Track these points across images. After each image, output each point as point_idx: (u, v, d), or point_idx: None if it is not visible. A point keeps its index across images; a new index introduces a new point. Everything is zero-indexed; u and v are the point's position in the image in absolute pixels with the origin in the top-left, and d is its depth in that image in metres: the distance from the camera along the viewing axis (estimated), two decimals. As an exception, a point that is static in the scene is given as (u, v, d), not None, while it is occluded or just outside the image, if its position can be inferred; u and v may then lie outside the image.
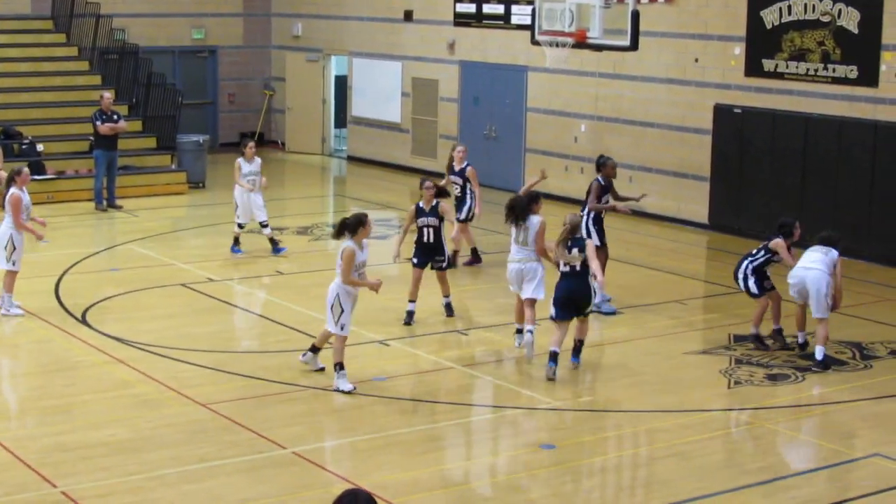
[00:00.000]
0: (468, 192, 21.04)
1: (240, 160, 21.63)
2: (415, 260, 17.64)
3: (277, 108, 35.76)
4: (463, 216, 20.96)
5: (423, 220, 17.55)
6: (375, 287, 15.00)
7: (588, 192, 18.83)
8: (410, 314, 17.65)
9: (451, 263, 19.66)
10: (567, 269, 15.49)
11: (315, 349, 15.28)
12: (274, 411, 13.99)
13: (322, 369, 15.12)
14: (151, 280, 19.96)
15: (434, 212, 17.57)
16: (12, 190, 17.60)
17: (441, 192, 18.02)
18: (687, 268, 21.99)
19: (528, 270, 16.15)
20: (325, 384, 14.83)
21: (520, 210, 16.24)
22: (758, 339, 16.96)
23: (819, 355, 16.05)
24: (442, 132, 30.73)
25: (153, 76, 30.14)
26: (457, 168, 21.15)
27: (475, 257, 21.39)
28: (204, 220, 24.46)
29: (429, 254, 17.68)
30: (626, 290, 19.74)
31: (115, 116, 26.11)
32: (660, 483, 12.39)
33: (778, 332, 17.06)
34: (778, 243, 16.74)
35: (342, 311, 14.52)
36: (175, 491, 11.77)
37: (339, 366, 14.67)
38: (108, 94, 26.59)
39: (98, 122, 25.77)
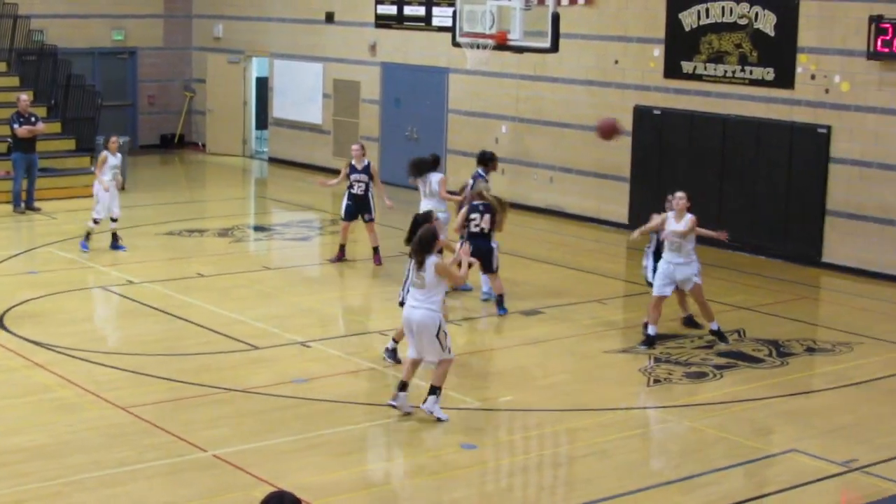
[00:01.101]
0: (370, 189, 21.11)
1: (106, 153, 21.76)
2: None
3: (198, 109, 35.58)
4: (373, 215, 21.09)
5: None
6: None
7: (466, 186, 19.31)
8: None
9: (341, 258, 21.40)
10: (476, 230, 18.08)
11: (405, 386, 13.98)
12: (194, 414, 13.92)
13: (410, 413, 13.99)
14: (70, 283, 19.81)
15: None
16: None
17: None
18: (607, 267, 22.13)
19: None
20: (246, 386, 14.80)
21: (425, 167, 19.71)
22: (691, 323, 17.66)
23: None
24: (363, 133, 30.71)
25: (72, 78, 29.92)
26: (359, 167, 21.18)
27: (342, 254, 21.51)
28: (123, 223, 24.20)
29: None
30: (546, 290, 19.85)
31: (33, 118, 25.88)
32: (580, 481, 12.47)
33: (689, 320, 17.88)
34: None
35: (447, 334, 13.74)
36: (94, 496, 11.67)
37: (440, 390, 13.87)
38: (25, 97, 26.35)
39: (15, 125, 25.53)
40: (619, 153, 25.26)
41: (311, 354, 16.38)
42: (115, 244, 21.96)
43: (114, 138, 22.11)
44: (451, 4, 22.47)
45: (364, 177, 21.15)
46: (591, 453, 13.16)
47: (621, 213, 25.36)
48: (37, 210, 25.63)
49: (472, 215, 18.12)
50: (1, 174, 26.70)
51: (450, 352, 13.77)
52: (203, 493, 11.82)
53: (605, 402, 15.06)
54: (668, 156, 24.45)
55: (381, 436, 13.82)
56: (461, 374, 15.49)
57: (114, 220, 21.87)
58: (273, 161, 33.61)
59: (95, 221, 21.80)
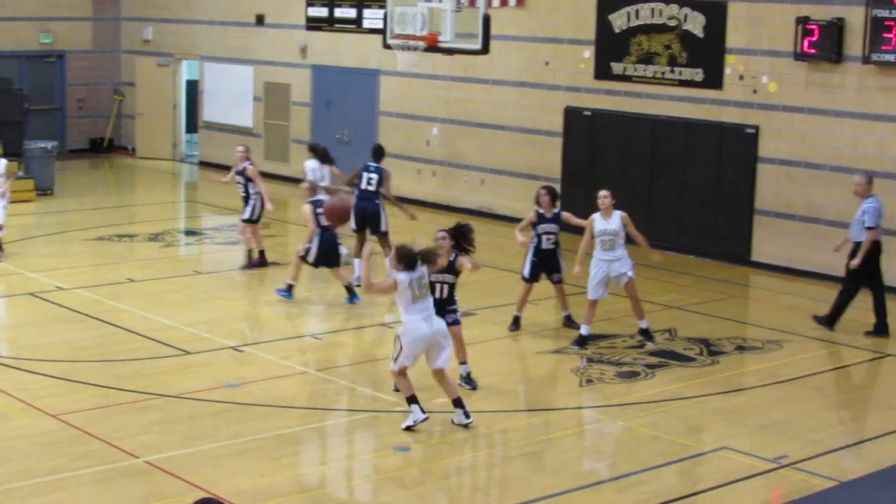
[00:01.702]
0: (251, 191, 21.04)
1: None
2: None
3: (127, 113, 35.32)
4: (247, 216, 20.98)
5: (437, 276, 14.80)
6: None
7: (384, 180, 20.10)
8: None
9: (262, 263, 21.31)
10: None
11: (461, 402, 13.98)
12: (126, 420, 13.83)
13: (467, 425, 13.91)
14: (-1, 289, 19.67)
15: (452, 268, 14.97)
16: None
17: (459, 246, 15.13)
18: (539, 269, 22.15)
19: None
20: (178, 392, 14.73)
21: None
22: (570, 322, 17.88)
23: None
24: (294, 136, 30.66)
25: (-1, 81, 29.66)
26: (239, 167, 21.16)
27: (262, 259, 21.39)
28: (52, 228, 24.10)
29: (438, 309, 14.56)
30: (478, 292, 19.86)
31: (-44, 123, 25.62)
32: (514, 482, 12.51)
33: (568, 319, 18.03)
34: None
35: None
36: (24, 504, 11.61)
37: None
38: (-54, 101, 26.06)
39: (-64, 130, 25.23)
40: (550, 154, 25.35)
41: (243, 359, 16.33)
42: None
43: None
44: (382, 6, 22.45)
45: (241, 178, 21.14)
46: (525, 454, 13.21)
47: (553, 213, 25.42)
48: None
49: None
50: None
51: None
52: (134, 500, 11.75)
53: (538, 402, 15.14)
54: (598, 156, 24.57)
55: (315, 439, 13.81)
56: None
57: None
58: (204, 164, 33.43)
59: None
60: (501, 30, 24.81)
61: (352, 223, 19.75)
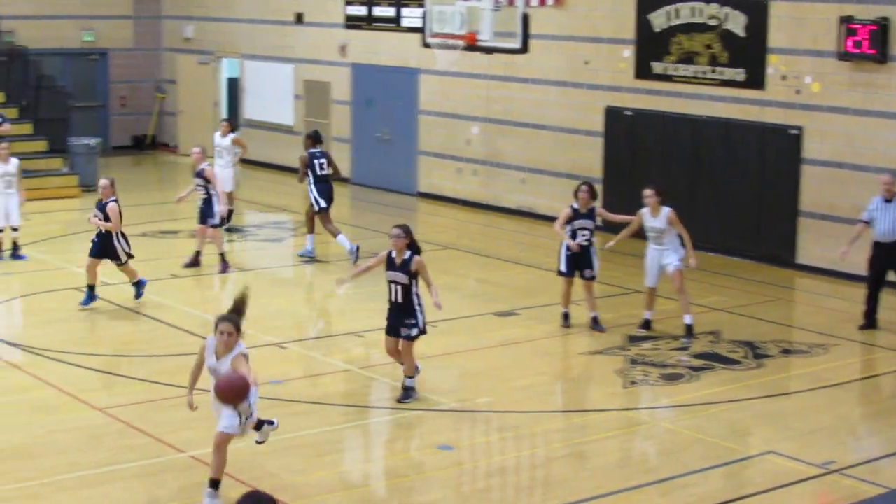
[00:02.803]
0: (212, 193, 20.89)
1: None
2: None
3: (169, 110, 35.48)
4: (217, 220, 20.92)
5: (391, 275, 14.57)
6: None
7: (331, 161, 21.82)
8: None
9: (194, 263, 21.09)
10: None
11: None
12: (170, 415, 13.88)
13: None
14: (45, 284, 19.72)
15: (406, 267, 14.46)
16: None
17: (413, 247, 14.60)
18: (580, 269, 22.11)
19: None
20: (222, 388, 14.76)
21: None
22: (596, 324, 17.95)
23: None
24: (335, 135, 30.69)
25: (43, 79, 29.82)
26: (197, 169, 21.09)
27: (196, 259, 21.15)
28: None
29: (397, 317, 14.70)
30: (520, 292, 19.87)
31: (0, 119, 25.70)
32: (557, 483, 12.48)
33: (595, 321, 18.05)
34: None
35: None
36: (72, 496, 11.65)
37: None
38: (-8, 98, 26.18)
39: (-18, 125, 25.33)
40: (592, 154, 25.31)
41: (287, 356, 16.35)
42: (15, 254, 21.43)
43: (4, 144, 21.58)
44: (421, 5, 22.50)
45: (200, 180, 20.90)
46: (569, 455, 13.19)
47: (593, 214, 25.36)
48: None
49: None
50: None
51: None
52: (179, 494, 11.80)
53: (582, 403, 15.11)
54: (639, 156, 24.50)
55: (358, 437, 13.83)
56: (438, 376, 15.49)
57: (14, 229, 21.39)
58: (245, 162, 33.37)
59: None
60: (540, 29, 24.81)
61: (319, 205, 21.40)
